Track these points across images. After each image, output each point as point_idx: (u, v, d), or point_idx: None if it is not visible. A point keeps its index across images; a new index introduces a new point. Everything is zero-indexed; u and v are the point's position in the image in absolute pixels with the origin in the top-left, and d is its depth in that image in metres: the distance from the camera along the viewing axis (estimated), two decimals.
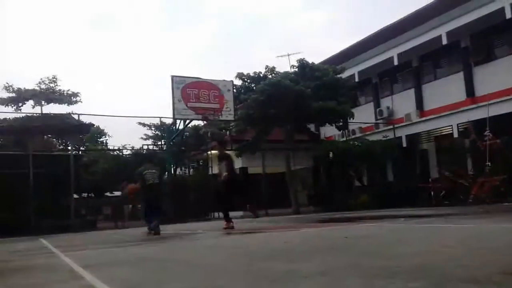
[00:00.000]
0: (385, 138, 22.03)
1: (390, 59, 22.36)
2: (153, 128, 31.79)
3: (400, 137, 21.75)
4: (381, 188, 21.72)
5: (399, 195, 19.41)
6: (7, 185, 16.18)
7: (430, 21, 20.03)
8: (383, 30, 22.32)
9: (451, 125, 19.12)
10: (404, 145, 21.48)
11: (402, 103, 22.87)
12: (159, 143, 30.36)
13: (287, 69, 22.77)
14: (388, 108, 23.46)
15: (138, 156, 22.65)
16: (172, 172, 23.19)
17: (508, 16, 16.51)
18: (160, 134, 30.86)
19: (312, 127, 25.75)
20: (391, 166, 22.81)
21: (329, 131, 25.42)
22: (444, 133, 19.81)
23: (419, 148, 21.91)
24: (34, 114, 26.04)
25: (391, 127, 22.33)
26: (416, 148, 21.83)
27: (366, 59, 23.89)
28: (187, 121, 21.51)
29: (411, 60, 22.11)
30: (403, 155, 21.12)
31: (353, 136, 23.88)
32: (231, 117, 21.80)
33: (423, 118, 20.96)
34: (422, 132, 20.95)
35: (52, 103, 27.77)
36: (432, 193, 17.79)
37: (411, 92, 22.49)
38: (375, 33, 22.87)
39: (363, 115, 24.18)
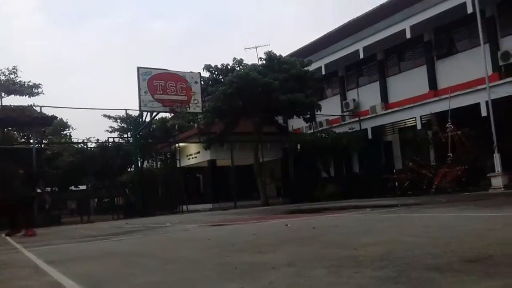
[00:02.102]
0: (351, 130, 22.41)
1: (356, 52, 22.70)
2: (118, 121, 31.17)
3: (366, 129, 22.17)
4: (347, 179, 22.15)
5: (365, 186, 19.86)
6: None
7: (394, 15, 20.44)
8: (349, 23, 22.61)
9: (415, 117, 19.61)
10: (370, 137, 21.91)
11: (367, 95, 23.30)
12: (125, 135, 29.84)
13: (256, 61, 22.81)
14: (354, 100, 23.85)
15: (104, 148, 22.20)
16: (139, 165, 22.87)
17: (469, 10, 16.99)
18: (126, 126, 30.30)
19: (280, 119, 25.92)
20: (357, 158, 23.26)
21: (297, 123, 25.64)
22: (408, 125, 20.31)
23: (384, 139, 22.40)
24: None
25: (357, 119, 22.74)
26: (381, 140, 22.30)
27: (332, 52, 24.16)
28: (154, 113, 21.22)
29: (376, 54, 22.51)
30: (368, 147, 21.55)
31: (320, 128, 24.19)
32: (198, 109, 21.66)
33: (388, 111, 21.42)
34: (387, 124, 21.42)
35: (13, 95, 26.74)
36: (397, 183, 18.25)
37: (376, 85, 22.94)
38: (341, 27, 23.14)
39: (330, 107, 24.52)
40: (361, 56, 22.49)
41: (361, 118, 22.64)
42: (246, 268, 3.10)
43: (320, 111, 22.11)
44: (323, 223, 6.94)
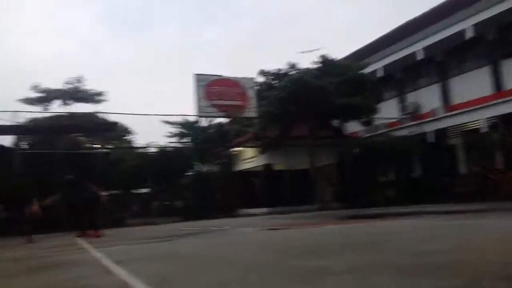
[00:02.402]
0: (411, 134, 21.72)
1: (415, 53, 22.00)
2: (178, 126, 32.12)
3: (426, 133, 21.39)
4: (407, 184, 21.45)
5: (426, 191, 19.13)
6: (39, 183, 16.65)
7: (454, 15, 19.61)
8: (407, 24, 21.96)
9: (478, 120, 18.70)
10: (431, 140, 21.13)
11: (427, 98, 22.47)
12: (184, 140, 30.68)
13: (310, 66, 22.67)
14: (413, 103, 23.11)
15: (164, 153, 22.99)
16: (197, 169, 23.44)
17: None
18: (185, 131, 31.17)
19: (336, 123, 25.59)
20: (418, 162, 22.49)
21: (353, 127, 25.20)
22: (471, 127, 19.38)
23: (446, 143, 21.51)
24: (61, 114, 26.70)
25: (417, 122, 22.00)
26: (442, 143, 21.43)
27: (390, 54, 23.55)
28: (211, 119, 21.70)
29: (436, 54, 21.70)
30: (429, 150, 20.78)
31: (378, 132, 23.63)
32: (253, 114, 21.88)
33: (450, 113, 20.56)
34: (448, 127, 20.56)
35: (79, 102, 28.35)
36: (461, 188, 17.45)
37: (437, 87, 22.07)
38: (398, 28, 22.52)
39: (388, 110, 23.87)
40: (420, 57, 21.78)
41: (421, 121, 21.90)
42: (306, 273, 3.11)
43: (378, 114, 21.60)
44: (383, 229, 6.79)
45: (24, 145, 24.51)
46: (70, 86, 28.13)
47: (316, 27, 76.43)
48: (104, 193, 10.80)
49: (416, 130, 21.74)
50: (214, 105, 20.79)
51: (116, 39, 79.04)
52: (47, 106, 28.06)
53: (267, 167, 24.70)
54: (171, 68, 77.84)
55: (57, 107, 27.80)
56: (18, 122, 20.92)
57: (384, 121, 23.89)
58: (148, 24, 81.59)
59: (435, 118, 21.16)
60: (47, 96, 27.73)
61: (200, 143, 24.20)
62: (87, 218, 10.62)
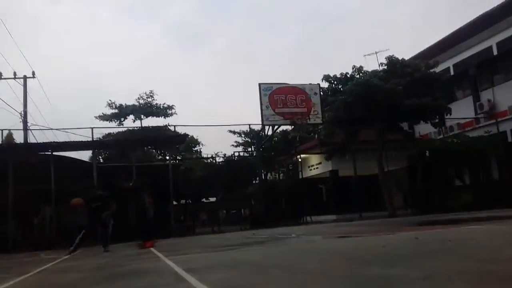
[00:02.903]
0: (487, 134, 20.47)
1: (489, 48, 20.77)
2: (243, 135, 32.63)
3: (505, 132, 20.06)
4: (485, 188, 20.15)
5: (506, 194, 17.85)
6: (114, 195, 17.56)
7: None
8: (479, 18, 20.83)
9: None
10: (510, 140, 19.76)
11: (505, 95, 21.06)
12: (249, 149, 31.07)
13: (376, 68, 22.09)
14: (489, 101, 21.75)
15: (230, 162, 23.41)
16: (263, 177, 23.61)
17: None
18: (250, 140, 31.58)
19: (405, 125, 24.69)
20: (496, 163, 21.08)
21: (424, 128, 24.17)
22: None
23: None
24: (135, 128, 28.15)
25: (494, 121, 20.69)
26: None
27: (461, 51, 22.42)
28: (276, 127, 21.79)
29: None
30: (509, 151, 19.43)
31: (451, 133, 22.49)
32: (318, 120, 21.71)
33: None
34: None
35: (150, 117, 29.78)
36: None
37: None
38: (469, 23, 21.42)
39: (461, 110, 22.64)
40: (495, 52, 20.50)
41: (499, 119, 20.57)
42: (376, 282, 3.01)
43: (450, 114, 20.53)
44: (459, 236, 6.42)
45: (100, 158, 26.08)
46: (141, 101, 29.63)
47: (376, 29, 74.58)
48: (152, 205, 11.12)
49: (493, 130, 20.45)
50: (278, 113, 20.88)
51: (177, 54, 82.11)
52: (122, 121, 29.75)
53: (334, 173, 24.33)
54: (235, 79, 79.42)
55: (131, 122, 29.40)
56: (96, 138, 22.31)
57: (457, 121, 22.71)
58: (208, 36, 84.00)
59: None
60: (121, 112, 29.39)
61: (266, 151, 24.36)
62: (143, 229, 11.02)
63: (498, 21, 19.93)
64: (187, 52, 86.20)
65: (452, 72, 22.90)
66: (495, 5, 19.80)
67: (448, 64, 23.02)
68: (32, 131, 21.33)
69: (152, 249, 9.75)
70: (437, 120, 21.16)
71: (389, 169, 22.14)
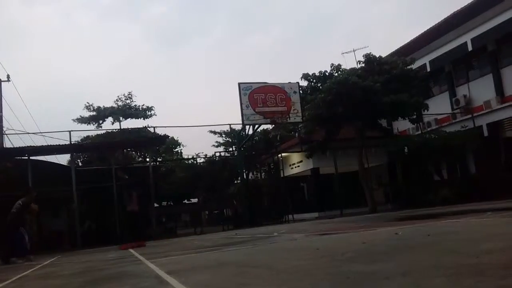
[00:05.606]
0: (464, 129, 20.84)
1: (463, 44, 21.16)
2: (223, 135, 32.54)
3: (481, 126, 20.46)
4: (463, 182, 20.55)
5: (483, 188, 18.24)
6: (94, 198, 17.35)
7: (504, 1, 18.72)
8: (454, 15, 21.19)
9: None
10: (486, 134, 20.17)
11: (480, 90, 21.51)
12: (230, 149, 31.00)
13: (354, 65, 22.26)
14: (465, 96, 22.18)
15: (212, 163, 23.31)
16: (245, 177, 23.58)
17: None
18: (230, 140, 31.51)
19: (384, 122, 24.99)
20: (473, 158, 21.51)
21: (402, 125, 24.51)
22: None
23: (503, 136, 20.46)
24: (114, 130, 27.76)
25: (470, 116, 21.09)
26: (499, 137, 20.41)
27: (437, 48, 22.80)
28: (256, 126, 21.78)
29: (487, 44, 20.75)
30: (485, 145, 19.85)
31: (428, 129, 22.83)
32: (299, 119, 21.76)
33: (505, 104, 19.57)
34: (505, 119, 19.55)
35: (129, 118, 29.38)
36: None
37: (489, 78, 21.08)
38: (444, 20, 21.78)
39: (438, 106, 23.03)
40: (470, 48, 20.90)
41: (475, 114, 20.97)
42: (358, 278, 3.03)
43: (427, 110, 20.84)
44: (438, 230, 6.52)
45: (79, 162, 25.67)
46: (120, 103, 29.22)
47: (355, 27, 75.30)
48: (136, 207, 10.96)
49: (469, 125, 20.85)
50: (259, 112, 20.86)
51: (157, 55, 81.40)
52: (101, 124, 29.27)
53: (315, 171, 24.47)
54: (214, 79, 79.10)
55: (110, 124, 28.98)
56: (74, 141, 21.95)
57: (435, 117, 23.08)
58: (187, 37, 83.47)
59: (488, 110, 20.23)
60: (100, 115, 28.91)
61: (247, 150, 24.34)
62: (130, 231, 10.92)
63: (472, 18, 20.32)
64: (167, 53, 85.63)
65: (428, 69, 23.26)
66: (469, 2, 20.16)
67: (424, 60, 23.38)
68: (8, 135, 20.91)
69: (132, 251, 9.64)
70: (415, 116, 21.46)
71: (370, 165, 22.38)
